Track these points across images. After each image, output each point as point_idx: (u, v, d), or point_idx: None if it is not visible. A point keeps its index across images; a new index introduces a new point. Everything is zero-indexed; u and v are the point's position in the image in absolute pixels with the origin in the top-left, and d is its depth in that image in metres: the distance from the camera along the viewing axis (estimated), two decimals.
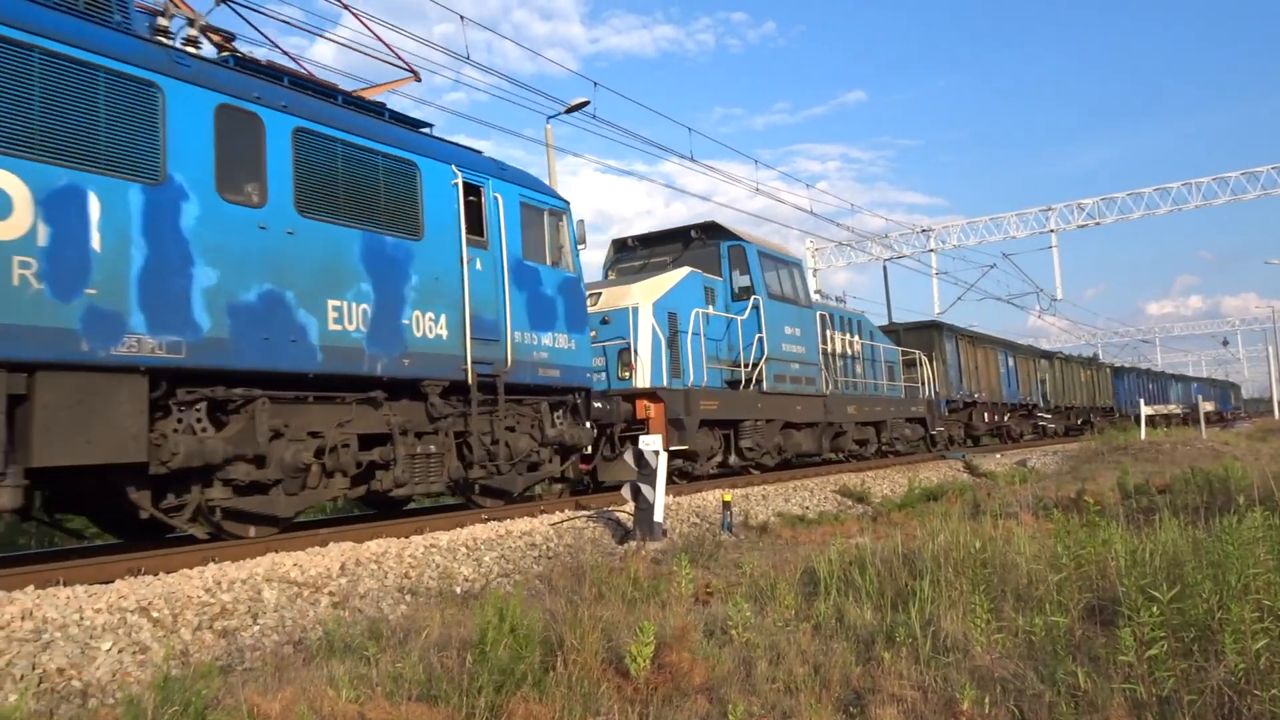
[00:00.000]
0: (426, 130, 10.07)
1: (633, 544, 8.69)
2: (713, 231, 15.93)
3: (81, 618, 5.26)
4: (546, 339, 10.70)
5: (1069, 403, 38.49)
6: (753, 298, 15.29)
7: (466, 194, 9.84)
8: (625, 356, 12.95)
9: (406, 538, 8.12)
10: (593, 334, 12.34)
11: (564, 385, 10.99)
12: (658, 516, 8.95)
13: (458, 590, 7.05)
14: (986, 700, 3.78)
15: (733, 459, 14.73)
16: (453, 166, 9.72)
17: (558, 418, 11.12)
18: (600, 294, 13.48)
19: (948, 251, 38.25)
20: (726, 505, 10.24)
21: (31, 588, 5.78)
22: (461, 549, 7.93)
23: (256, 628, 5.80)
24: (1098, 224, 35.08)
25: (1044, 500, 10.13)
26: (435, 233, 9.33)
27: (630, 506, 9.37)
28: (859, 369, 20.06)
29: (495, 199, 10.24)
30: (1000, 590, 5.30)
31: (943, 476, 17.37)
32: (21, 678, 4.59)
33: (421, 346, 8.98)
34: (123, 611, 5.46)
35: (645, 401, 12.63)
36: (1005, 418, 31.36)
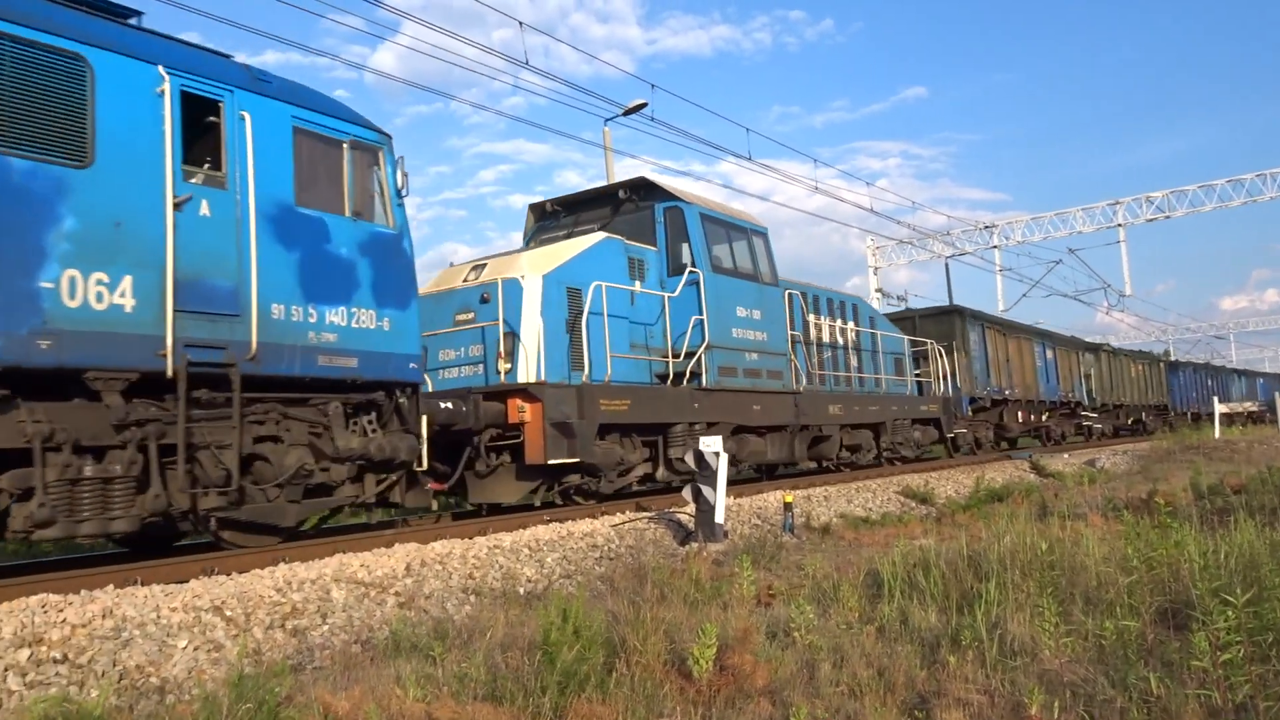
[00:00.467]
0: (134, 22, 7.43)
1: (694, 545, 8.70)
2: (646, 191, 12.96)
3: (159, 616, 5.43)
4: (334, 315, 7.90)
5: (1118, 400, 34.70)
6: (689, 271, 12.34)
7: (190, 110, 7.25)
8: (506, 343, 10.31)
9: (470, 539, 8.23)
10: (468, 316, 10.59)
11: (369, 379, 8.19)
12: (719, 518, 8.95)
13: (521, 591, 7.12)
14: (1055, 705, 3.71)
15: (661, 472, 11.89)
16: (159, 68, 6.99)
17: (363, 423, 8.36)
18: (485, 265, 11.13)
19: (1012, 248, 37.62)
20: (788, 506, 10.20)
21: (111, 587, 5.98)
22: (524, 550, 8.01)
23: (325, 627, 5.93)
24: (1168, 217, 34.21)
25: (1113, 501, 9.91)
26: (116, 160, 6.66)
27: (691, 508, 9.38)
28: (853, 361, 17.07)
29: (242, 119, 7.51)
30: (1069, 593, 5.21)
31: (1009, 477, 17.06)
32: (103, 674, 4.76)
33: (80, 322, 6.31)
34: (198, 610, 5.62)
35: (519, 400, 10.00)
36: (1044, 417, 27.98)
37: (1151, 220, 34.39)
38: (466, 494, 10.85)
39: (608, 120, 23.25)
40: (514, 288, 10.43)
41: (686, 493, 9.28)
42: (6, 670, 4.53)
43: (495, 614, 5.67)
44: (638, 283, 11.99)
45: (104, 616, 5.27)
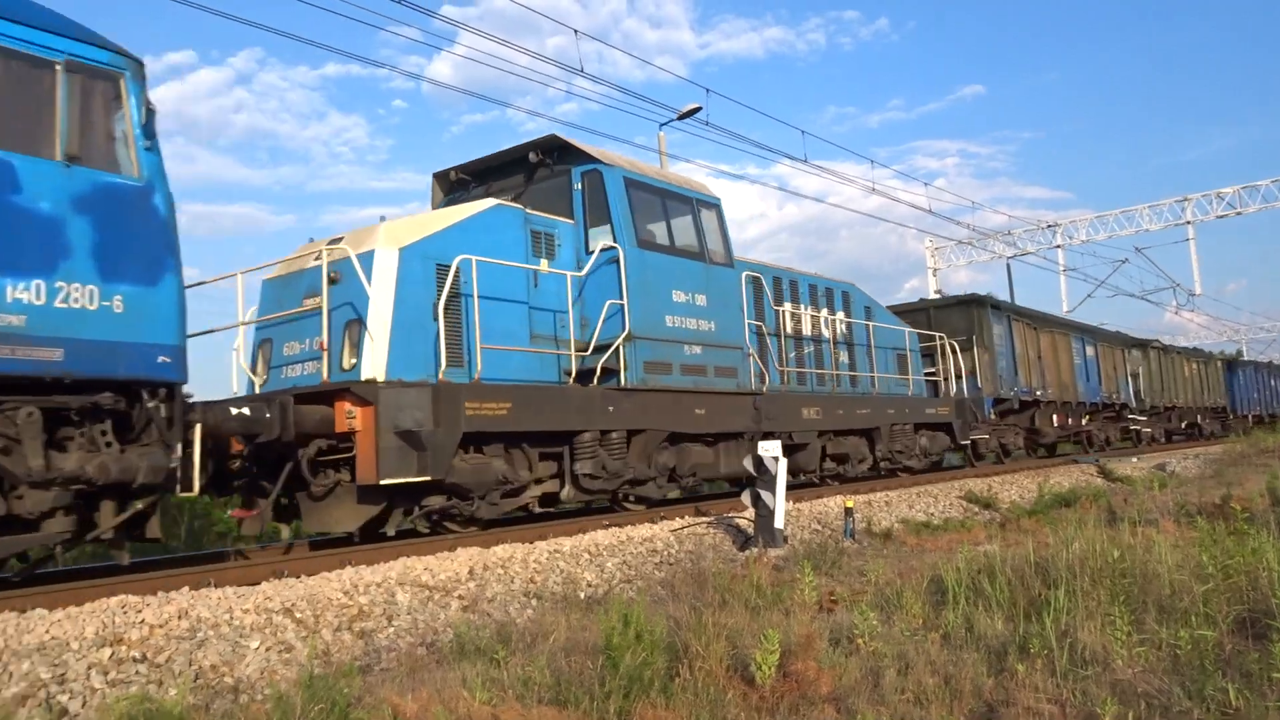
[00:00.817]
0: None
1: (754, 550, 8.67)
2: (562, 154, 10.95)
3: (231, 617, 5.57)
4: (21, 291, 5.87)
5: (1169, 401, 31.96)
6: (605, 247, 10.21)
7: None
8: (352, 332, 8.38)
9: (531, 543, 8.29)
10: (315, 300, 8.40)
11: (87, 377, 6.19)
12: (778, 523, 8.91)
13: (581, 595, 7.16)
14: (1130, 716, 3.64)
15: (567, 491, 9.71)
16: None
17: (91, 435, 6.35)
18: (342, 240, 8.81)
19: (1075, 247, 36.78)
20: (848, 512, 10.12)
21: (186, 588, 6.15)
22: (584, 555, 8.06)
23: (391, 629, 6.02)
24: (1239, 214, 33.19)
25: (1186, 506, 9.66)
26: None
27: (750, 513, 9.36)
28: (841, 357, 14.85)
29: None
30: (1141, 601, 5.10)
31: (1075, 481, 16.72)
32: (179, 673, 4.89)
33: None
34: (269, 612, 5.75)
35: (348, 403, 7.81)
36: (1084, 421, 25.20)
37: (1222, 217, 33.40)
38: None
39: (662, 125, 23.31)
40: (366, 264, 8.33)
41: (745, 497, 9.26)
42: (90, 669, 4.68)
43: (557, 618, 5.71)
44: (544, 261, 9.93)
45: (180, 618, 5.42)
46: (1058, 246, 36.95)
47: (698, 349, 11.15)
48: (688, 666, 4.15)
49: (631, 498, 10.78)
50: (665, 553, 8.61)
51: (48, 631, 4.99)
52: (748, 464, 9.46)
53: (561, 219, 10.51)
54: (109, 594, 5.83)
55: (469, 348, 8.84)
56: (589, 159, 10.68)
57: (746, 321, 12.10)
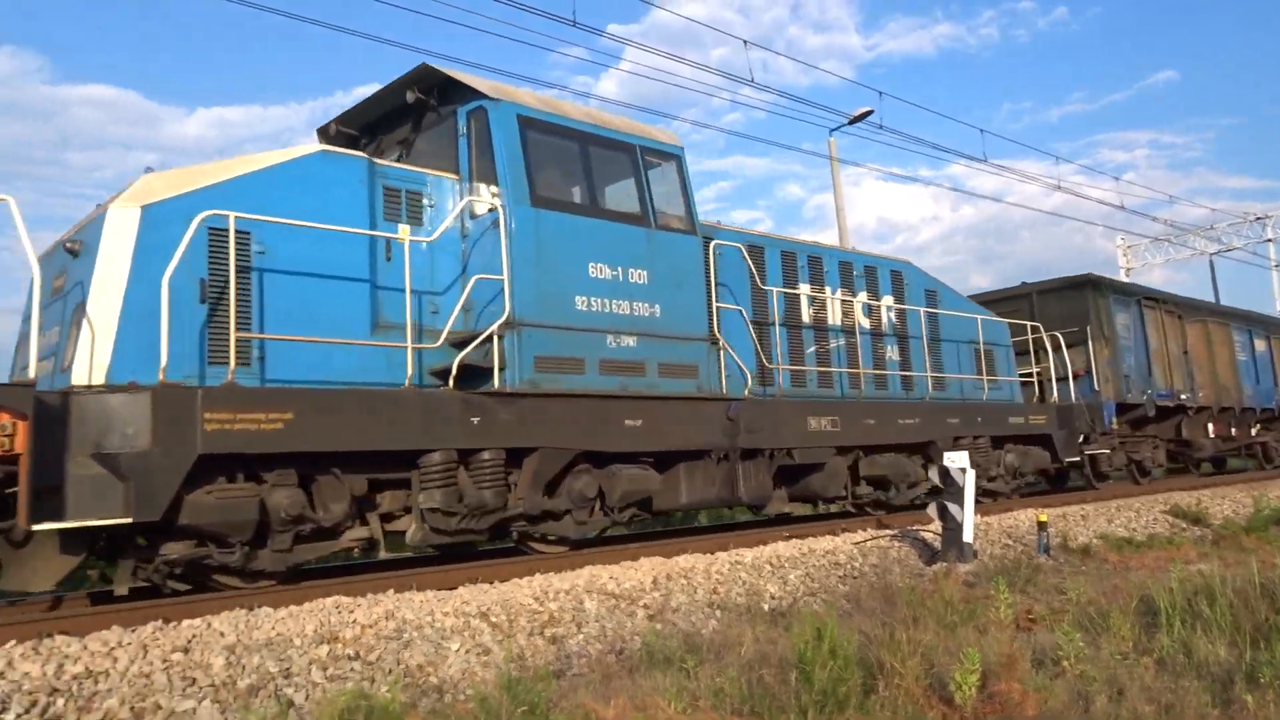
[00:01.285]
0: None
1: (942, 565, 8.41)
2: (446, 91, 8.61)
3: (433, 620, 5.86)
4: None
5: None
6: (470, 200, 8.19)
7: None
8: (78, 317, 6.50)
9: (712, 554, 8.34)
10: (60, 281, 7.03)
11: None
12: (967, 537, 8.60)
13: (765, 607, 7.14)
14: None
15: (414, 531, 7.38)
16: None
17: None
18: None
19: None
20: (1042, 526, 9.65)
21: (391, 591, 6.52)
22: (766, 566, 8.04)
23: (581, 636, 6.18)
24: None
25: None
26: None
27: (935, 526, 9.08)
28: (886, 352, 11.96)
29: None
30: None
31: None
32: (389, 671, 5.19)
33: None
34: (466, 616, 6.01)
35: (5, 416, 5.48)
36: (1252, 430, 20.41)
37: None
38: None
39: (833, 130, 23.00)
40: (95, 229, 6.62)
41: (932, 510, 9.00)
42: (311, 664, 5.03)
43: (742, 630, 5.71)
44: (403, 227, 7.82)
45: (387, 618, 5.74)
46: (1269, 240, 34.14)
47: (629, 340, 8.58)
48: (884, 683, 4.07)
49: (550, 537, 8.42)
50: (848, 566, 8.47)
51: (273, 628, 5.40)
52: (933, 475, 9.18)
53: (438, 173, 8.35)
54: (325, 594, 6.26)
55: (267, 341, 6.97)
56: (475, 94, 8.31)
57: (715, 305, 9.47)
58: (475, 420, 7.39)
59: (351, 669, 5.13)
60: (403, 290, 7.42)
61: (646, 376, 8.67)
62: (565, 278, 8.23)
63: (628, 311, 8.64)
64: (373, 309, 7.55)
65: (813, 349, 11.02)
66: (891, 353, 12.05)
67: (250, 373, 6.79)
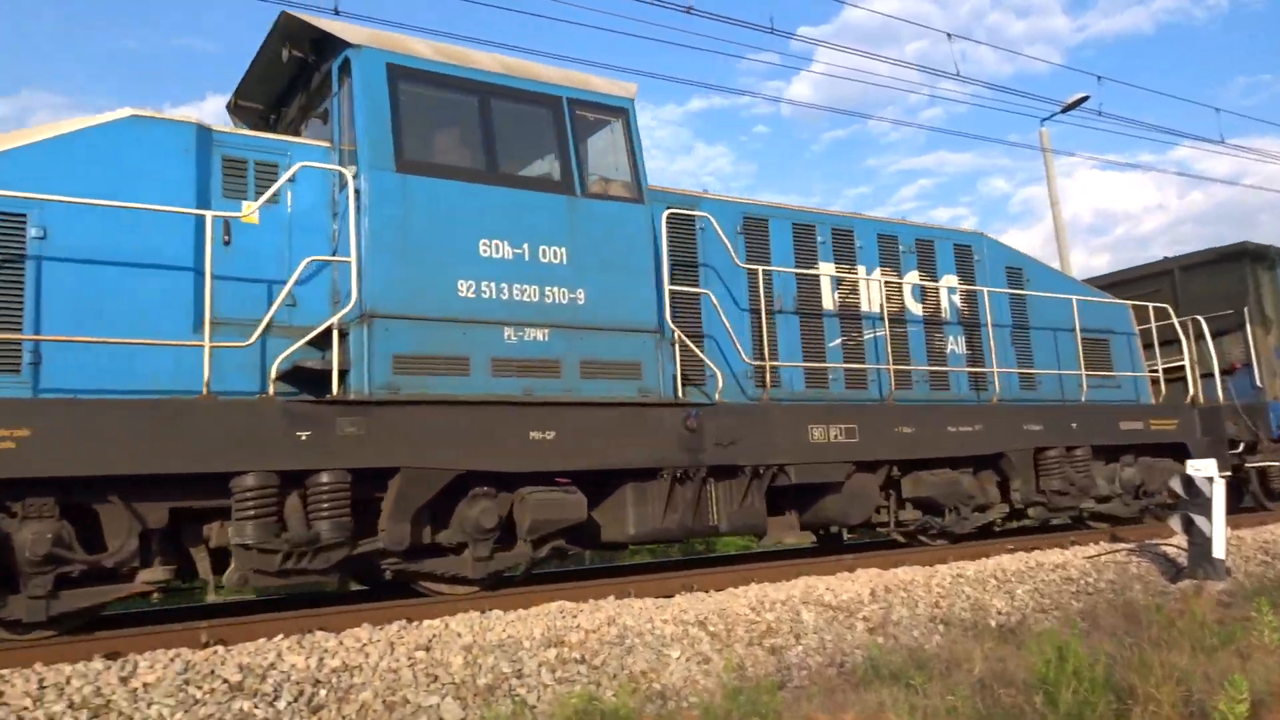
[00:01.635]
0: None
1: (1190, 583, 7.77)
2: (321, 45, 7.36)
3: (653, 627, 5.96)
4: None
5: None
6: (338, 172, 6.90)
7: None
8: None
9: (931, 566, 8.06)
10: None
11: None
12: (1218, 553, 7.90)
13: (992, 623, 6.83)
14: None
15: (230, 571, 6.05)
16: None
17: None
18: None
19: None
20: None
21: (612, 598, 6.69)
22: (990, 580, 7.69)
23: (799, 648, 6.12)
24: None
25: None
26: None
27: (1179, 539, 8.40)
28: (946, 344, 9.85)
29: None
30: None
31: None
32: (614, 676, 5.32)
33: None
34: (684, 624, 6.08)
35: None
36: None
37: None
38: None
39: (1044, 120, 21.80)
40: None
41: (1175, 523, 8.32)
42: (540, 666, 5.23)
43: (969, 646, 5.49)
44: (247, 204, 6.60)
45: (609, 624, 5.89)
46: None
47: (538, 333, 7.06)
48: (1140, 710, 3.80)
49: (440, 573, 6.80)
50: (1081, 581, 7.98)
51: (504, 630, 5.65)
52: (1174, 485, 8.49)
53: (303, 141, 7.25)
54: (550, 600, 6.49)
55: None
56: (342, 44, 7.00)
57: (668, 288, 7.81)
58: (303, 435, 6.01)
59: (578, 672, 5.29)
60: (250, 280, 6.53)
61: (563, 378, 7.11)
62: (443, 258, 6.78)
63: (535, 298, 7.10)
64: (198, 303, 6.22)
65: (838, 342, 9.17)
66: (955, 345, 9.94)
67: (20, 380, 5.76)
